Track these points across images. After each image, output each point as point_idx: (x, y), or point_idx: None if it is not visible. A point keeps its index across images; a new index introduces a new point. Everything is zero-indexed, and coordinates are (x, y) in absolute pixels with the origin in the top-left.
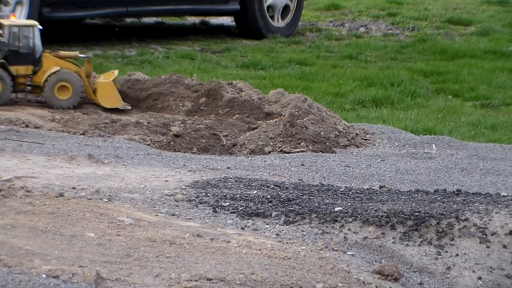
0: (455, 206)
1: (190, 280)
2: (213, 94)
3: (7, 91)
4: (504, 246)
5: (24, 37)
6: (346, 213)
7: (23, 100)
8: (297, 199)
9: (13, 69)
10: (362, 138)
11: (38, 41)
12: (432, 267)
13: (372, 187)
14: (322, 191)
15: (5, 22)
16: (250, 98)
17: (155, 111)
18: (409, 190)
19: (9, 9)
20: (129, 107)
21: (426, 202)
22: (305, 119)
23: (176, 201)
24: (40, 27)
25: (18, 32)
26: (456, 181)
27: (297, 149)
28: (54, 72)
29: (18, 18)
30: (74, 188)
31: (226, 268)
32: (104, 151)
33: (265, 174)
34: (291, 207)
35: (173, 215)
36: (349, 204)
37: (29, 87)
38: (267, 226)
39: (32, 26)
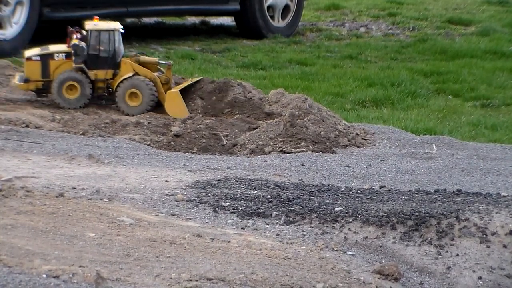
0: (455, 206)
1: (190, 280)
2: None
3: (85, 95)
4: (505, 246)
5: (104, 41)
6: (347, 213)
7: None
8: (297, 199)
9: (92, 73)
10: (362, 138)
11: (119, 45)
12: (432, 267)
13: (372, 187)
14: (322, 191)
15: (87, 25)
16: (251, 98)
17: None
18: (409, 190)
19: (9, 9)
20: None
21: (426, 202)
22: (305, 119)
23: (176, 201)
24: (122, 31)
25: (99, 36)
26: (456, 181)
27: (297, 149)
28: (125, 79)
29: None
30: (74, 188)
31: (226, 268)
32: (104, 151)
33: (265, 174)
34: (291, 207)
35: (173, 215)
36: (349, 204)
37: (109, 91)
38: (267, 226)
39: (113, 30)
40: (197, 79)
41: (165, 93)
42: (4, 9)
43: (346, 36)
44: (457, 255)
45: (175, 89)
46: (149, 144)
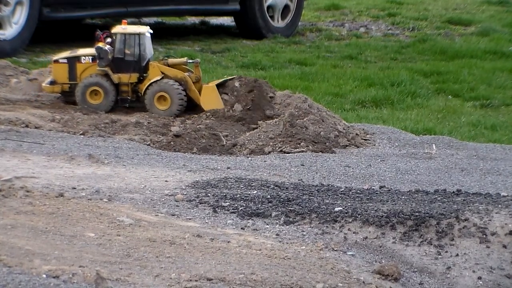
0: (455, 206)
1: (190, 280)
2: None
3: (109, 99)
4: (504, 246)
5: (131, 44)
6: (346, 213)
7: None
8: (297, 199)
9: (116, 77)
10: (362, 138)
11: (145, 49)
12: (432, 267)
13: (372, 187)
14: (322, 191)
15: (114, 29)
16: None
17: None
18: (409, 190)
19: (9, 9)
20: None
21: (426, 202)
22: (305, 119)
23: (176, 201)
24: (148, 35)
25: (124, 39)
26: (456, 181)
27: (297, 149)
28: (152, 83)
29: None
30: (74, 188)
31: (226, 268)
32: (104, 151)
33: (265, 174)
34: (291, 207)
35: (173, 215)
36: (349, 204)
37: (135, 95)
38: (267, 226)
39: (139, 34)
40: (232, 77)
41: (197, 91)
42: (4, 9)
43: (346, 36)
44: (457, 255)
45: (211, 84)
46: (149, 144)
